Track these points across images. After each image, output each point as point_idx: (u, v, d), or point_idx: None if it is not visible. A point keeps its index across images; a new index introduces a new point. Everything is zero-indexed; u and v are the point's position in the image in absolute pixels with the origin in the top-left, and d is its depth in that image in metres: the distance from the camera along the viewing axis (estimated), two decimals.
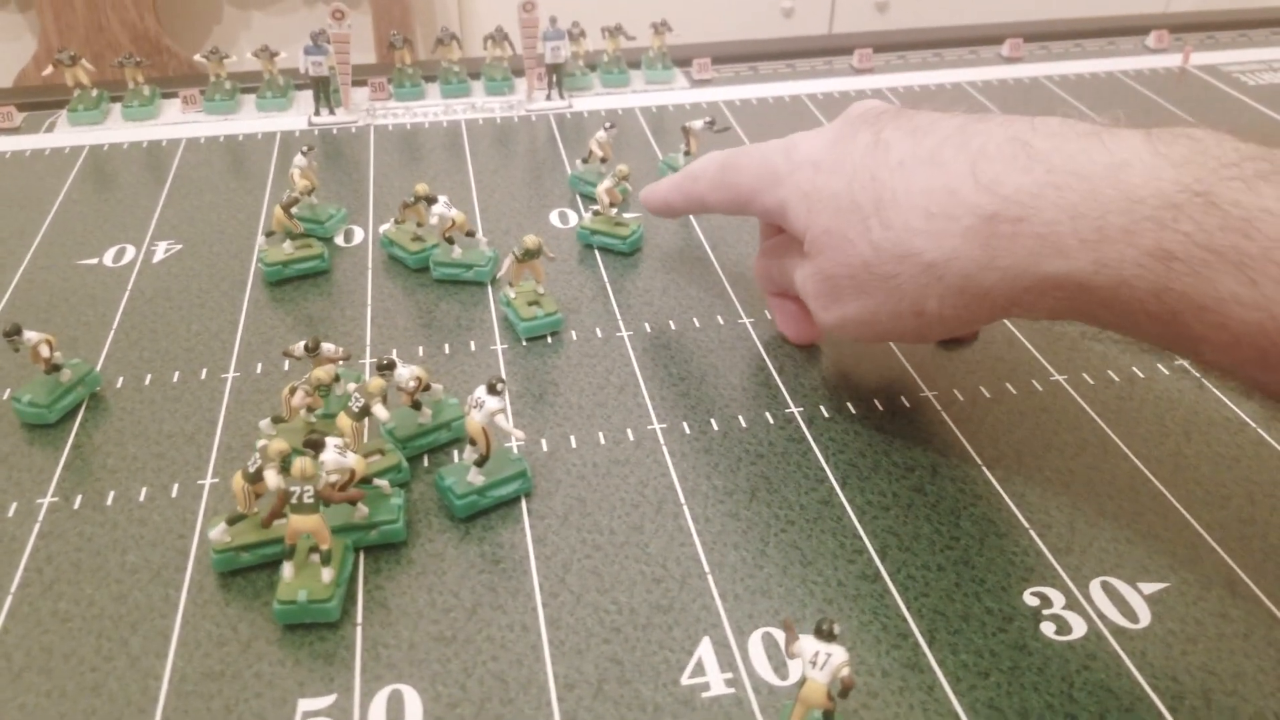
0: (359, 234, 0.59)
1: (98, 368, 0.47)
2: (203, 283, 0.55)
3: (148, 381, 0.47)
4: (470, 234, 0.55)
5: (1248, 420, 0.44)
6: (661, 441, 0.44)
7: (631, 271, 0.56)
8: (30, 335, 0.44)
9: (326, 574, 0.36)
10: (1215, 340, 0.31)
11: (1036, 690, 0.33)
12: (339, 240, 0.59)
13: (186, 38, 1.63)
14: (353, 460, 0.37)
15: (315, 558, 0.36)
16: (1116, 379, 0.47)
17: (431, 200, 0.54)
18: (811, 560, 0.38)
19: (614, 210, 0.58)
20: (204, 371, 0.48)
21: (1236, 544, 0.38)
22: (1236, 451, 0.43)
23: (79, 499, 0.41)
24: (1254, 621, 0.35)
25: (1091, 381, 0.47)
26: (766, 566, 0.38)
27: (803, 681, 0.30)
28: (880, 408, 0.46)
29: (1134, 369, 0.47)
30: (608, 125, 0.64)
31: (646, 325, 0.51)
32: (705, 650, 0.34)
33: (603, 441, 0.43)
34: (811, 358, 0.49)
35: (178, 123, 0.74)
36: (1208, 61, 0.85)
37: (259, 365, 0.48)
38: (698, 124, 0.64)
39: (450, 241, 0.54)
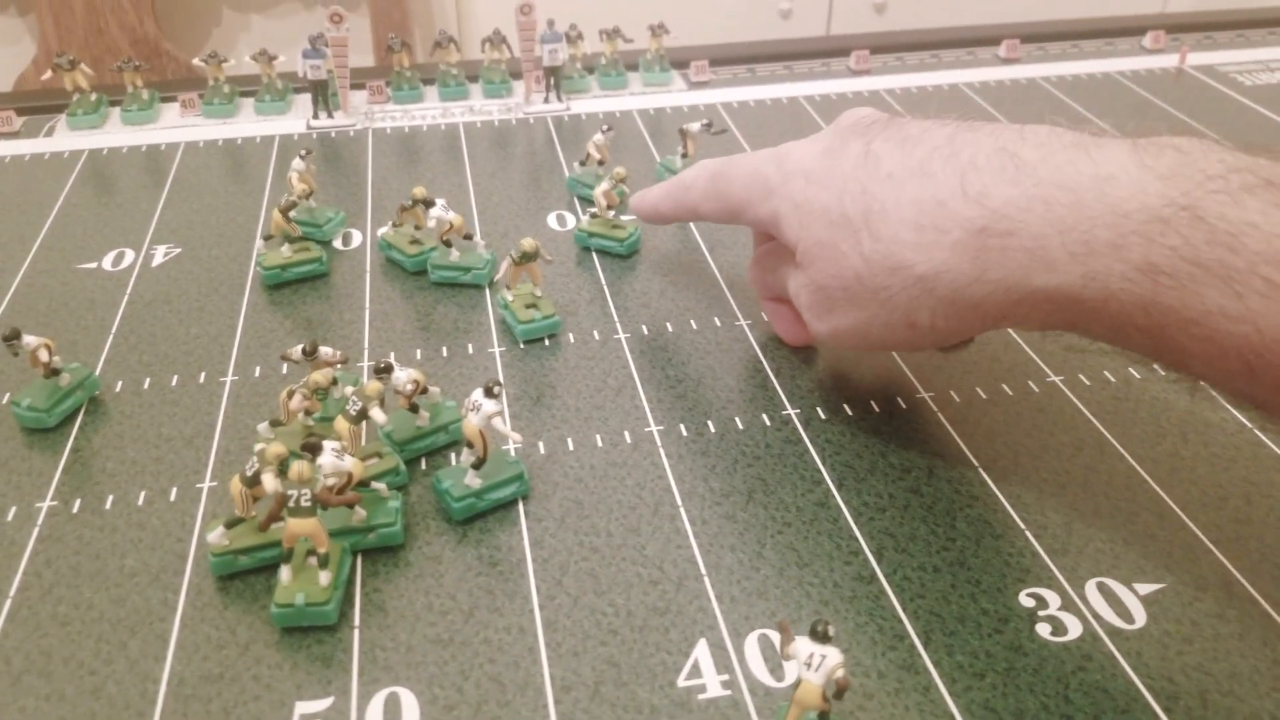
0: (357, 237, 0.60)
1: (96, 372, 0.47)
2: (201, 286, 0.55)
3: (146, 385, 0.47)
4: (468, 237, 0.55)
5: (1244, 422, 0.45)
6: (658, 443, 0.44)
7: (629, 274, 0.56)
8: (29, 339, 0.44)
9: (324, 577, 0.36)
10: (1202, 353, 0.32)
11: (1032, 691, 0.33)
12: (337, 243, 0.59)
13: (185, 41, 1.64)
14: (350, 463, 0.37)
15: (313, 561, 0.36)
16: (1113, 380, 0.47)
17: (429, 203, 0.54)
18: (808, 562, 0.38)
19: (611, 213, 0.58)
20: (202, 375, 0.48)
21: (1233, 545, 0.38)
22: (1233, 452, 0.43)
23: (78, 503, 0.41)
24: (1250, 622, 0.35)
25: (1088, 382, 0.47)
26: (763, 568, 0.38)
27: (798, 683, 0.30)
28: (877, 409, 0.46)
29: (1130, 370, 0.48)
30: (605, 128, 0.64)
31: (644, 327, 0.51)
32: (701, 652, 0.35)
33: (600, 444, 0.44)
34: (808, 360, 0.49)
35: (176, 126, 0.74)
36: (1204, 62, 0.85)
37: (257, 369, 0.48)
38: (695, 126, 0.64)
39: (448, 244, 0.54)
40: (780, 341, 0.50)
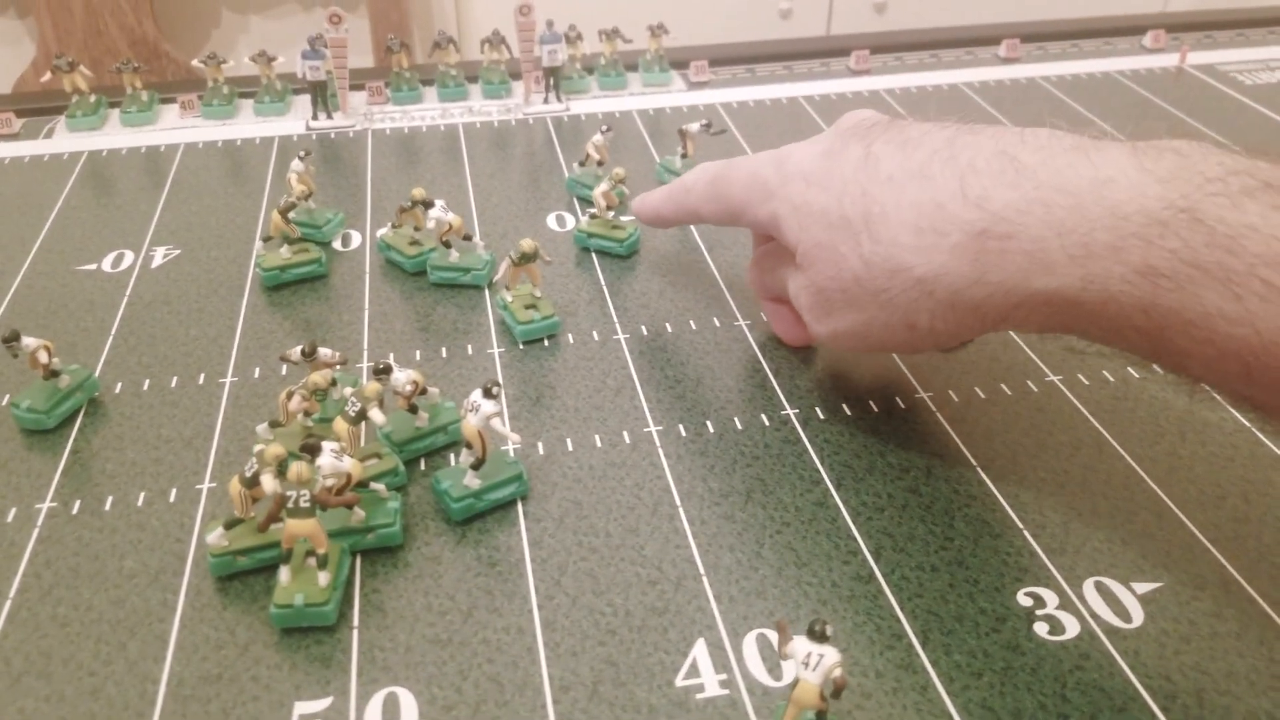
0: (356, 238, 0.60)
1: (96, 373, 0.47)
2: (201, 288, 0.55)
3: (146, 386, 0.47)
4: (467, 238, 0.55)
5: (1242, 421, 0.45)
6: (657, 444, 0.44)
7: (628, 274, 0.56)
8: (29, 341, 0.44)
9: (323, 578, 0.36)
10: (1201, 355, 0.32)
11: (1030, 690, 0.33)
12: (336, 245, 0.59)
13: (184, 43, 1.64)
14: (349, 464, 0.37)
15: (312, 561, 0.36)
16: (1111, 380, 0.47)
17: (429, 204, 0.54)
18: (806, 561, 0.38)
19: (611, 213, 0.58)
20: (202, 376, 0.48)
21: (1230, 544, 0.39)
22: (1231, 452, 0.43)
23: (77, 504, 0.41)
24: (1247, 621, 0.36)
25: (1086, 382, 0.47)
26: (761, 568, 0.38)
27: (796, 683, 0.30)
28: (875, 409, 0.46)
29: (1129, 370, 0.48)
30: (605, 128, 0.64)
31: (643, 328, 0.51)
32: (700, 652, 0.35)
33: (599, 444, 0.44)
34: (807, 360, 0.49)
35: (176, 128, 0.74)
36: (1205, 61, 0.85)
37: (256, 370, 0.48)
38: (694, 127, 0.64)
39: (447, 245, 0.54)
40: (779, 342, 0.50)
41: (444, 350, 0.50)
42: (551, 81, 0.76)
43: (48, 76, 0.75)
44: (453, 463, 0.42)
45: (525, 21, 0.72)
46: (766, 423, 0.45)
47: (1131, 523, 0.40)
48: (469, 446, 0.40)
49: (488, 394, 0.39)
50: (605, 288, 0.55)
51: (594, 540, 0.39)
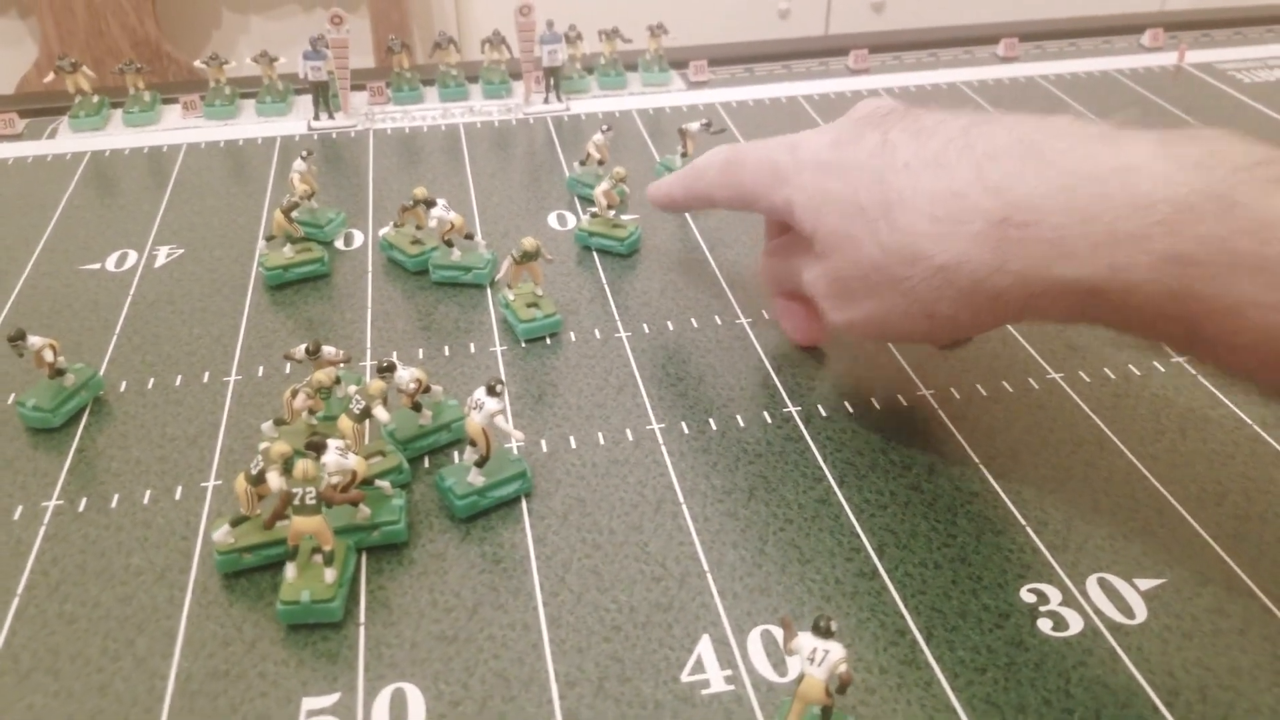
0: (358, 237, 0.60)
1: (101, 372, 0.48)
2: (204, 287, 0.55)
3: (150, 385, 0.47)
4: (469, 236, 0.55)
5: (1244, 418, 0.45)
6: (660, 441, 0.44)
7: (629, 273, 0.56)
8: (34, 340, 0.44)
9: (329, 574, 0.36)
10: (1234, 343, 0.31)
11: (1033, 686, 0.33)
12: (339, 244, 0.59)
13: (186, 43, 1.64)
14: (354, 462, 0.37)
15: (318, 558, 0.36)
16: (1113, 376, 0.47)
17: (430, 203, 0.55)
18: (810, 558, 0.38)
19: (612, 212, 0.58)
20: (206, 375, 0.48)
21: (1232, 540, 0.39)
22: (1233, 448, 0.43)
23: (84, 502, 0.41)
24: (1250, 617, 0.36)
25: (1088, 379, 0.47)
26: (765, 565, 0.38)
27: (801, 678, 0.30)
28: (877, 406, 0.46)
29: (1130, 366, 0.48)
30: (605, 128, 0.64)
31: (645, 326, 0.51)
32: (705, 648, 0.35)
33: (602, 442, 0.44)
34: (809, 357, 0.49)
35: (178, 128, 0.75)
36: (1203, 60, 0.85)
37: (260, 368, 0.48)
38: (694, 126, 0.64)
39: (449, 244, 0.55)
40: (781, 339, 0.50)
41: (446, 349, 0.50)
42: (552, 81, 0.76)
43: (51, 77, 0.75)
44: (457, 460, 0.42)
45: (525, 22, 0.72)
46: (769, 420, 0.45)
47: (1133, 519, 0.40)
48: (473, 444, 0.40)
49: (491, 391, 0.39)
50: (607, 286, 0.55)
51: (598, 537, 0.39)
